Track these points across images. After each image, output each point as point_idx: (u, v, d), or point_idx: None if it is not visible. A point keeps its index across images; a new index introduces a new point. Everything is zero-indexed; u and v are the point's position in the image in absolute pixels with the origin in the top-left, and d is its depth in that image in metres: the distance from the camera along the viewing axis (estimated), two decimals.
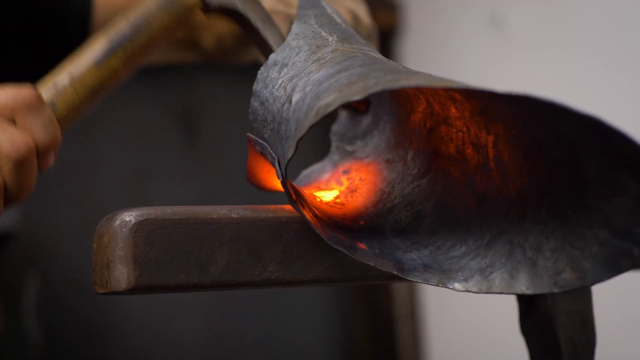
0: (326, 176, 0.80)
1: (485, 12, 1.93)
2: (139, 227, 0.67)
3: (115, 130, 1.91)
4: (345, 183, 0.78)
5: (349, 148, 0.81)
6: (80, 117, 0.79)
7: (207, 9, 0.83)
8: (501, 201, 0.69)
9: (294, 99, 0.69)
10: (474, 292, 0.67)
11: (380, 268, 0.67)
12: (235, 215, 0.69)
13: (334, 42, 0.74)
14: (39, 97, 0.75)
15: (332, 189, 0.77)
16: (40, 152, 0.74)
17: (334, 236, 0.67)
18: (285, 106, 0.70)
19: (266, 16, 0.82)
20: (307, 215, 0.67)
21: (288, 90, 0.71)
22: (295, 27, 0.77)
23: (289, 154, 0.64)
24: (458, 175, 0.71)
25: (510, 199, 0.68)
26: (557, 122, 0.63)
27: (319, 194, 0.76)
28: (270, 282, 0.69)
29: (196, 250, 0.68)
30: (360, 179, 0.77)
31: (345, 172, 0.79)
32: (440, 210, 0.71)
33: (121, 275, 0.67)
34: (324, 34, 0.75)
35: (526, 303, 0.74)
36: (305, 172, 0.82)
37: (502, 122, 0.68)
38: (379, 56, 0.73)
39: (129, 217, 0.67)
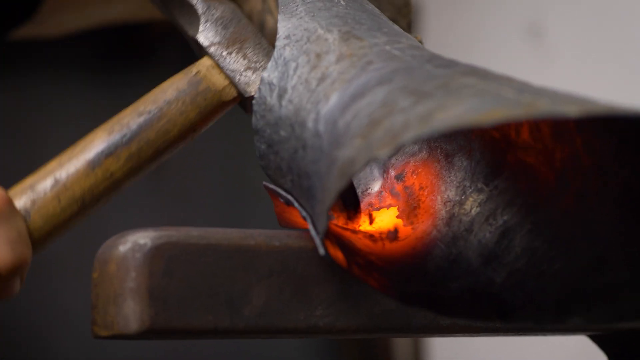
0: (376, 186, 0.63)
1: (520, 19, 1.76)
2: (157, 252, 0.52)
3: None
4: (402, 195, 0.62)
5: None
6: (62, 232, 0.61)
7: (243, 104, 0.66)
8: (605, 199, 0.54)
9: (309, 144, 0.54)
10: (600, 324, 0.52)
11: (477, 319, 0.52)
12: (277, 243, 0.55)
13: (335, 42, 0.58)
14: (9, 203, 0.57)
15: (387, 206, 0.62)
16: (1, 276, 0.56)
17: (407, 293, 0.53)
18: (300, 154, 0.55)
19: None
20: (369, 277, 0.53)
21: (297, 131, 0.55)
22: (282, 27, 0.60)
23: (323, 226, 0.50)
24: (543, 169, 0.57)
25: (616, 197, 0.54)
26: None
27: (372, 223, 0.61)
28: (318, 330, 0.55)
29: (227, 285, 0.53)
30: (421, 187, 0.62)
31: (399, 177, 0.63)
32: (532, 217, 0.56)
33: (132, 313, 0.52)
34: (320, 31, 0.58)
35: None
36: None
37: None
38: (398, 47, 0.56)
39: (144, 239, 0.52)
